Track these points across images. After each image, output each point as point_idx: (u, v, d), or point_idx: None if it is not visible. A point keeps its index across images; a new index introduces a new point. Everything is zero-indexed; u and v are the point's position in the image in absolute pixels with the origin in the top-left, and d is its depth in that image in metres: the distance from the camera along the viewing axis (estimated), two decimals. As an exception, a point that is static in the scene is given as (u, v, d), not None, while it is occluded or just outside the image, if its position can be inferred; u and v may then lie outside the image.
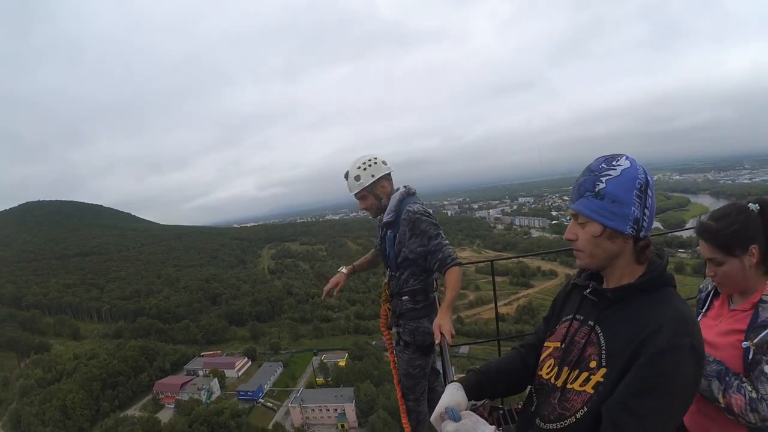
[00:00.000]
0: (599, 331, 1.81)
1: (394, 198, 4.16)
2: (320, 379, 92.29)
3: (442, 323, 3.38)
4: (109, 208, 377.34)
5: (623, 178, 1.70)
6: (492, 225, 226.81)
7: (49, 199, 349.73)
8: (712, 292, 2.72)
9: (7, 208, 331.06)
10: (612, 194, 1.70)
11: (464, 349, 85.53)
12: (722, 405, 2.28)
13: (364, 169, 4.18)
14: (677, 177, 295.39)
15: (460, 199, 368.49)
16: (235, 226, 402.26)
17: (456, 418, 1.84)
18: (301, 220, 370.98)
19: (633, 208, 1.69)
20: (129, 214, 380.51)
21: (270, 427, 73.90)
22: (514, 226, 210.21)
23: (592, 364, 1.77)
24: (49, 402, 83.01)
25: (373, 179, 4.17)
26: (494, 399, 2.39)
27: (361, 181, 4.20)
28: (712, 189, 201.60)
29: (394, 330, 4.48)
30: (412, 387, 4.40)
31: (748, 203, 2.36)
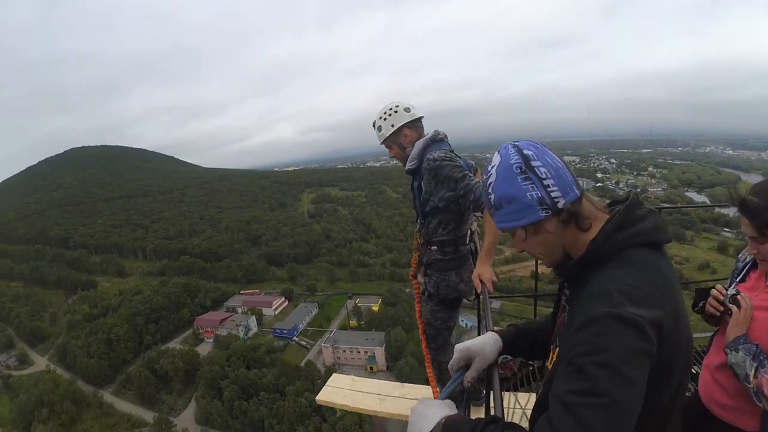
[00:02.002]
0: (566, 310, 1.68)
1: (418, 145, 4.01)
2: (353, 322, 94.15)
3: (482, 271, 3.31)
4: (153, 151, 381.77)
5: (501, 177, 1.56)
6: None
7: (93, 145, 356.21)
8: (750, 264, 2.60)
9: (53, 154, 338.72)
10: (503, 197, 1.57)
11: (495, 304, 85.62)
12: (752, 386, 2.20)
13: (384, 119, 4.10)
14: (729, 152, 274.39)
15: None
16: (276, 169, 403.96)
17: (441, 395, 1.77)
18: (341, 166, 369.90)
19: (528, 193, 1.52)
20: (172, 158, 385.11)
21: (302, 364, 75.83)
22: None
23: (554, 345, 1.72)
24: (94, 335, 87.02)
25: (393, 129, 4.07)
26: (530, 359, 2.21)
27: (382, 131, 4.13)
28: (765, 169, 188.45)
29: (421, 279, 4.42)
30: (434, 336, 4.39)
31: None
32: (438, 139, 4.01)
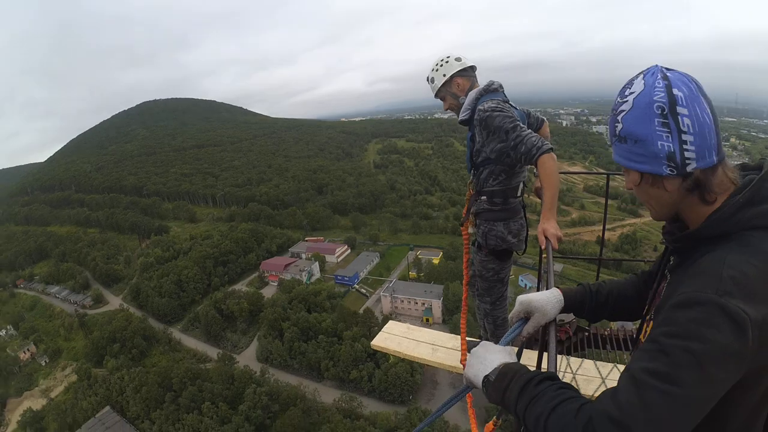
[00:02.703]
0: (668, 280, 1.55)
1: (471, 95, 3.97)
2: (413, 273, 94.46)
3: (547, 227, 3.14)
4: (222, 102, 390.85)
5: (636, 110, 1.38)
6: (609, 143, 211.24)
7: (164, 98, 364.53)
8: None
9: (126, 108, 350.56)
10: (631, 133, 1.41)
11: (557, 267, 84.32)
12: None
13: (436, 70, 4.10)
14: None
15: (578, 110, 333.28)
16: (343, 119, 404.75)
17: (502, 343, 1.76)
18: (408, 117, 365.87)
19: (660, 142, 1.35)
20: (241, 108, 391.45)
21: (361, 311, 76.81)
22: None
23: (648, 317, 1.62)
24: (166, 276, 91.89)
25: (445, 78, 4.05)
26: (595, 321, 2.12)
27: (435, 82, 4.13)
28: None
29: (471, 230, 4.42)
30: (488, 289, 4.40)
31: None
32: (491, 89, 3.94)
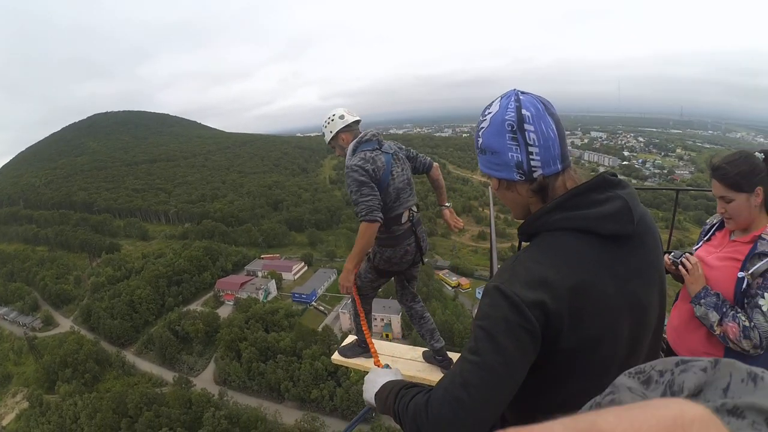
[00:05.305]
0: None
1: (350, 147, 4.39)
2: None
3: (341, 278, 3.70)
4: (176, 116, 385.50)
5: (492, 127, 1.58)
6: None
7: (116, 110, 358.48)
8: (716, 225, 3.04)
9: (77, 120, 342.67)
10: (488, 146, 1.61)
11: None
12: (718, 333, 2.60)
13: (325, 126, 4.56)
14: (761, 139, 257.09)
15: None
16: (298, 135, 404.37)
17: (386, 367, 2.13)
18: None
19: (510, 153, 1.55)
20: (195, 122, 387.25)
21: (320, 329, 76.87)
22: (582, 161, 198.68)
23: None
24: (118, 297, 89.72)
25: (332, 134, 4.50)
26: None
27: (325, 137, 4.59)
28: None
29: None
30: (360, 286, 4.80)
31: (755, 152, 2.66)
32: (364, 140, 4.37)
